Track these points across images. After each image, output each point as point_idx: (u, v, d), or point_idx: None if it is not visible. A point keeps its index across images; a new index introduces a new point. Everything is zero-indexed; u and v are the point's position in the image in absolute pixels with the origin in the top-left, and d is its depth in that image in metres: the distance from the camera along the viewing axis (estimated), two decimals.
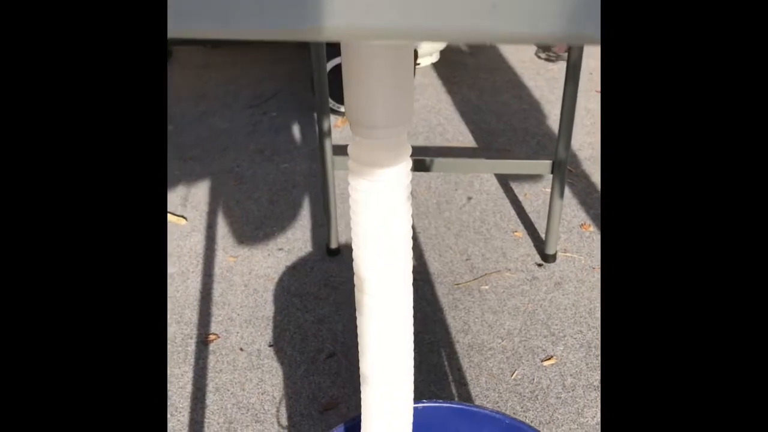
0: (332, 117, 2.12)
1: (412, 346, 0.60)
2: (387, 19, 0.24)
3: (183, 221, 1.77)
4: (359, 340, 0.57)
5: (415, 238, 1.68)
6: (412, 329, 0.58)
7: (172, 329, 1.43)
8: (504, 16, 0.24)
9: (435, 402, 0.76)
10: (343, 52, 0.45)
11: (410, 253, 0.53)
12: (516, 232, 1.69)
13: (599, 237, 1.66)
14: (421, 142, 2.11)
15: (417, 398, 1.20)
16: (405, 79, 0.44)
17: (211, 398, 1.28)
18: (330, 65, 1.81)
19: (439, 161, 1.53)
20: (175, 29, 0.25)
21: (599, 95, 2.29)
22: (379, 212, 0.48)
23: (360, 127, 0.46)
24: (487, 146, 2.08)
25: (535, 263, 1.58)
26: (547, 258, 1.58)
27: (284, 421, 1.23)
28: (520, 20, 0.24)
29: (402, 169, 0.48)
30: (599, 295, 1.48)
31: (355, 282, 0.52)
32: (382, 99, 0.44)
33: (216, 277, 1.57)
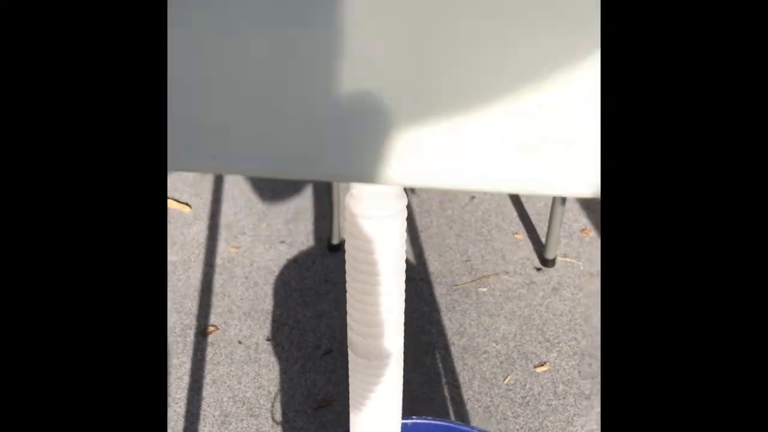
0: None
1: (401, 363, 0.61)
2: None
3: (187, 209, 1.78)
4: (349, 352, 0.59)
5: (416, 236, 1.69)
6: (401, 365, 0.59)
7: (172, 319, 1.45)
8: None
9: (426, 419, 0.78)
10: None
11: (402, 286, 0.54)
12: (517, 234, 1.70)
13: (599, 242, 1.67)
14: None
15: (410, 402, 1.22)
16: None
17: (207, 390, 1.30)
18: None
19: None
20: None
21: None
22: (372, 250, 0.49)
23: None
24: None
25: (534, 267, 1.59)
26: (546, 262, 1.59)
27: (278, 417, 1.26)
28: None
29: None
30: (596, 302, 1.50)
31: (348, 321, 0.53)
32: None
33: (217, 267, 1.59)
